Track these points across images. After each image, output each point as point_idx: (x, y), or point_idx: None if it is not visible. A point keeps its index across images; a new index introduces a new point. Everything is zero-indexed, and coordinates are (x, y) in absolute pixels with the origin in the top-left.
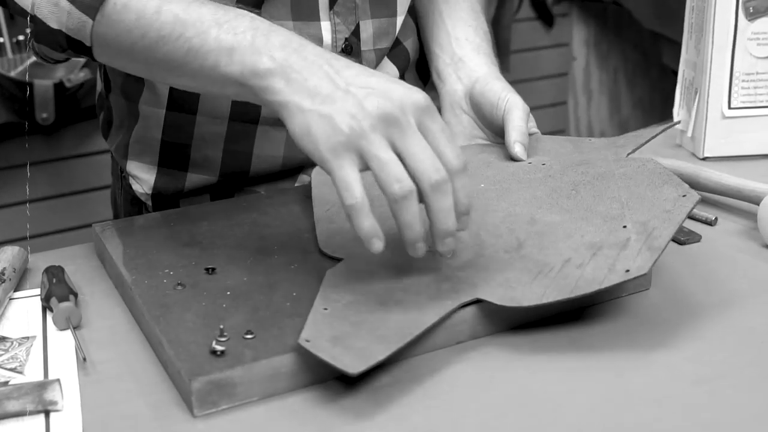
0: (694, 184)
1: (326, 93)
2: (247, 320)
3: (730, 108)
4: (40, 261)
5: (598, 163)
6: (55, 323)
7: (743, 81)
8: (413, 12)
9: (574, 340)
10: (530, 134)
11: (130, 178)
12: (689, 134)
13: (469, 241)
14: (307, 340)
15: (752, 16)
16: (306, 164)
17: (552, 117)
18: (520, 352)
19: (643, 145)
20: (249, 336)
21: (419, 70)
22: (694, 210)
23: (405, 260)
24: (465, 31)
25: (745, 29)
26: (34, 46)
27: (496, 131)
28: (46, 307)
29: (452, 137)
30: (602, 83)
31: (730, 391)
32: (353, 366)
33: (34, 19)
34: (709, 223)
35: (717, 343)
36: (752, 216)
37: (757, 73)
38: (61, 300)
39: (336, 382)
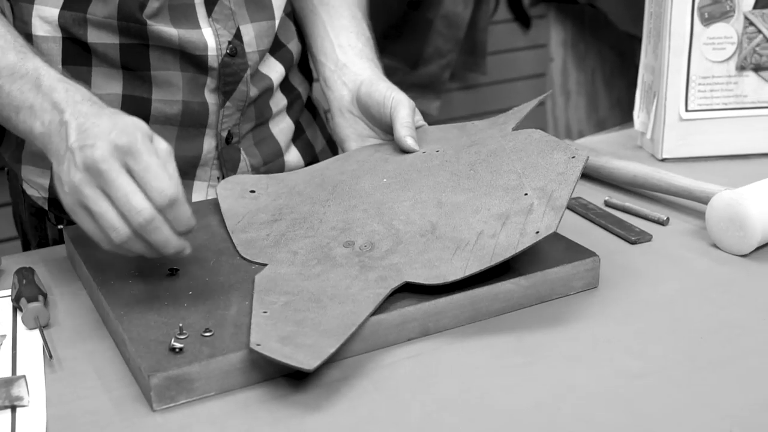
0: (649, 185)
1: (61, 155)
2: (206, 319)
3: (687, 111)
4: (13, 263)
5: (487, 142)
6: (24, 322)
7: (699, 84)
8: (291, 17)
9: (522, 338)
10: (417, 127)
11: (25, 183)
12: (648, 136)
13: (384, 232)
14: (258, 344)
15: (707, 21)
16: (197, 165)
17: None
18: (469, 349)
19: (522, 118)
20: (207, 334)
21: (302, 70)
22: (647, 210)
23: (327, 258)
24: (347, 38)
25: (701, 34)
26: None
27: (385, 129)
28: (16, 307)
29: (158, 171)
30: (580, 84)
31: (665, 384)
32: (308, 362)
33: None
34: (661, 222)
35: (658, 338)
36: (703, 216)
37: (713, 77)
38: (30, 300)
39: (290, 378)
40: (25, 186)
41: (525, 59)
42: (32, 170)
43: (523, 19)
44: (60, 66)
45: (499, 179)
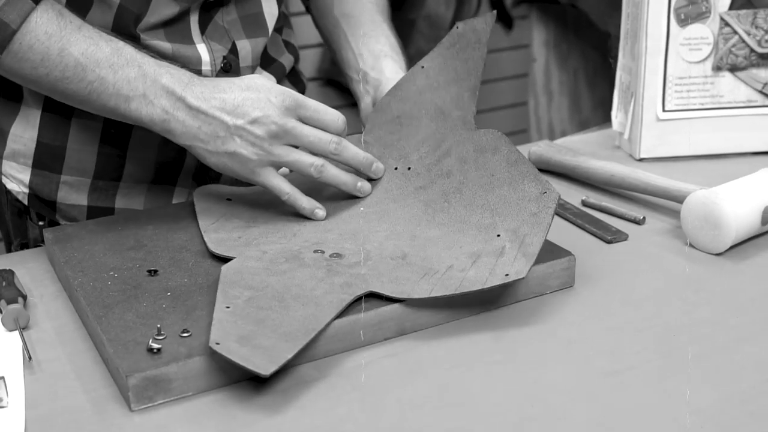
0: (625, 185)
1: (222, 135)
2: (184, 319)
3: (664, 111)
4: None
5: (453, 152)
6: (3, 324)
7: (676, 85)
8: (280, 32)
9: (498, 337)
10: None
11: (5, 177)
12: (626, 136)
13: (355, 249)
14: (217, 343)
15: (684, 22)
16: (179, 171)
17: (512, 118)
18: (445, 348)
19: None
20: (185, 334)
21: (292, 80)
22: (624, 210)
23: (296, 258)
24: (367, 44)
25: (678, 35)
26: None
27: None
28: None
29: (324, 108)
30: (562, 84)
31: (637, 382)
32: (264, 367)
33: None
34: (638, 222)
35: (632, 337)
36: (679, 215)
37: (690, 77)
38: (9, 302)
39: (267, 377)
40: (5, 180)
41: (507, 59)
42: (13, 165)
43: (505, 20)
44: None
45: (472, 215)
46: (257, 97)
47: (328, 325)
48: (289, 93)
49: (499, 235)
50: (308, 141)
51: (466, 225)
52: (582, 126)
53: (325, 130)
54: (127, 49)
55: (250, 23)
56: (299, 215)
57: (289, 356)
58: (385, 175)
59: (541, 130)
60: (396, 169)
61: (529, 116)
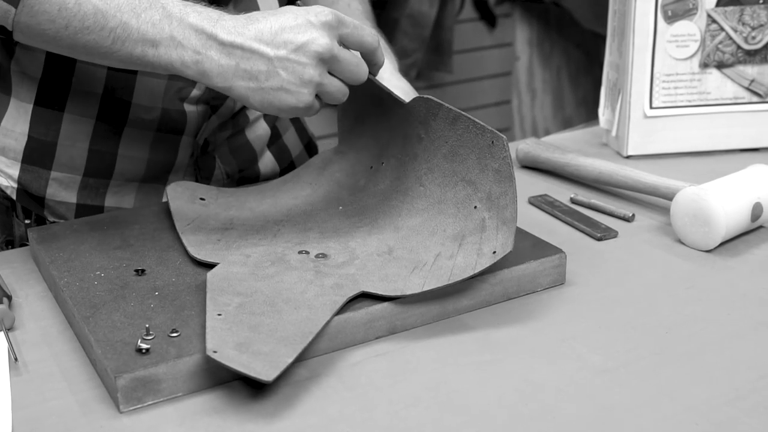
0: (614, 182)
1: (265, 69)
2: (173, 319)
3: (651, 108)
4: None
5: (408, 132)
6: None
7: (663, 82)
8: None
9: (489, 335)
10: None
11: None
12: (613, 134)
13: (340, 248)
14: (215, 351)
15: (671, 19)
16: (170, 170)
17: (496, 116)
18: (436, 347)
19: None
20: (174, 334)
21: None
22: (613, 207)
23: (281, 261)
24: None
25: (665, 32)
26: None
27: None
28: None
29: (361, 24)
30: (546, 82)
31: (630, 379)
32: (266, 373)
33: None
34: (627, 219)
35: (624, 334)
36: (668, 212)
37: (677, 74)
38: None
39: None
40: None
41: (491, 58)
42: (1, 160)
43: (488, 18)
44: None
45: (447, 192)
46: (296, 21)
47: (324, 327)
48: (327, 9)
49: (476, 207)
50: (349, 70)
51: (445, 204)
52: (565, 124)
53: (362, 46)
54: None
55: None
56: (276, 217)
57: (290, 361)
58: (362, 177)
59: (524, 128)
60: (372, 168)
61: (513, 114)
